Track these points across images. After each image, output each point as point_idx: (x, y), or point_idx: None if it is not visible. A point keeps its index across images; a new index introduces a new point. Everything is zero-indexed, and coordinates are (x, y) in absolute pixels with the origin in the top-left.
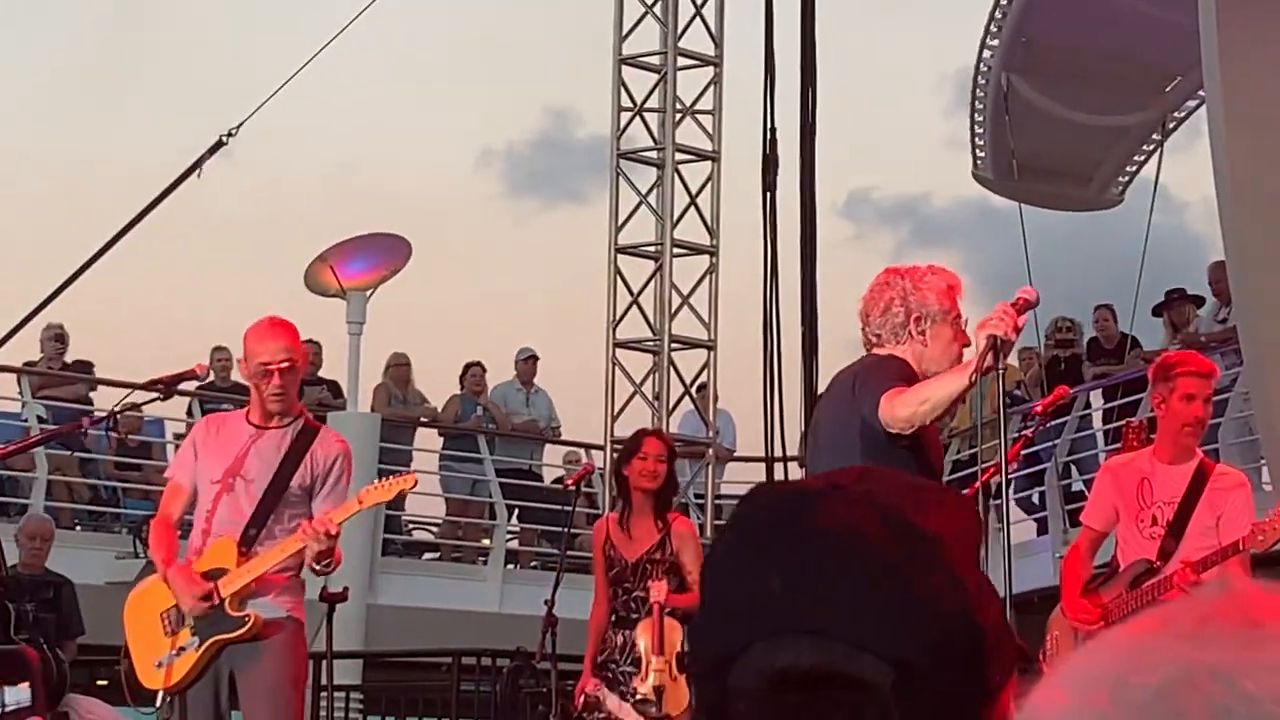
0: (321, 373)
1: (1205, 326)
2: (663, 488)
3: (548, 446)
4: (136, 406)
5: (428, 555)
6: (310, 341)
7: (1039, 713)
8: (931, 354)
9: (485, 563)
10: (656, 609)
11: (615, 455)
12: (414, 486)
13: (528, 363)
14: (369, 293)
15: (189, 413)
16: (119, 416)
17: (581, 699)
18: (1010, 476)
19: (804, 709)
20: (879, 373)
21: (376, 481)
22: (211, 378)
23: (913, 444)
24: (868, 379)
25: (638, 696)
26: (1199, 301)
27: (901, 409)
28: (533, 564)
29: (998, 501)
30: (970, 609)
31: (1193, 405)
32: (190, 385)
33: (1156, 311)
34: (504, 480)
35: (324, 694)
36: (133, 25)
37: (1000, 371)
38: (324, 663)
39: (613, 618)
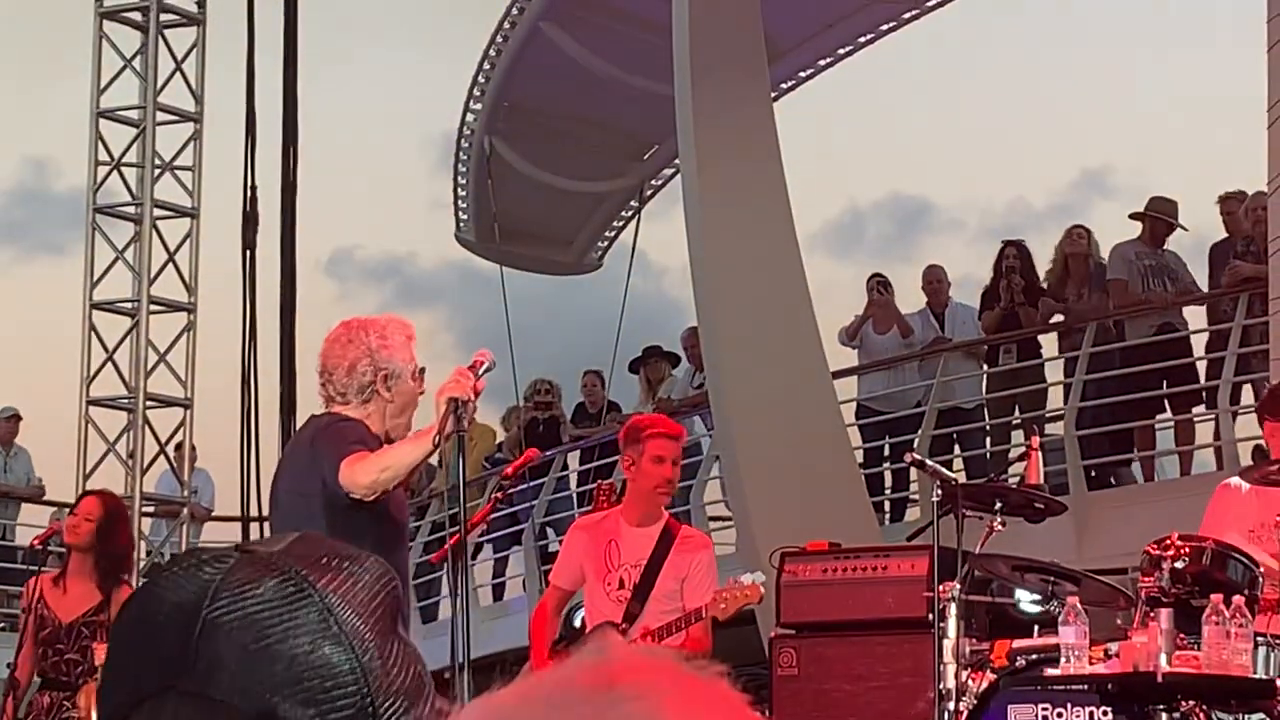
0: None
1: (680, 390)
2: (103, 548)
3: (35, 506)
4: None
5: None
6: None
7: None
8: (396, 409)
9: None
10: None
11: None
12: None
13: (10, 422)
14: None
15: None
16: None
17: None
18: (489, 538)
19: None
20: (338, 436)
21: None
22: None
23: (375, 508)
24: (327, 442)
25: None
26: (674, 360)
27: (362, 476)
28: (1, 626)
29: (472, 563)
30: (367, 674)
31: (662, 467)
32: None
33: (633, 368)
34: None
35: None
36: None
37: (465, 433)
38: None
39: (39, 680)
